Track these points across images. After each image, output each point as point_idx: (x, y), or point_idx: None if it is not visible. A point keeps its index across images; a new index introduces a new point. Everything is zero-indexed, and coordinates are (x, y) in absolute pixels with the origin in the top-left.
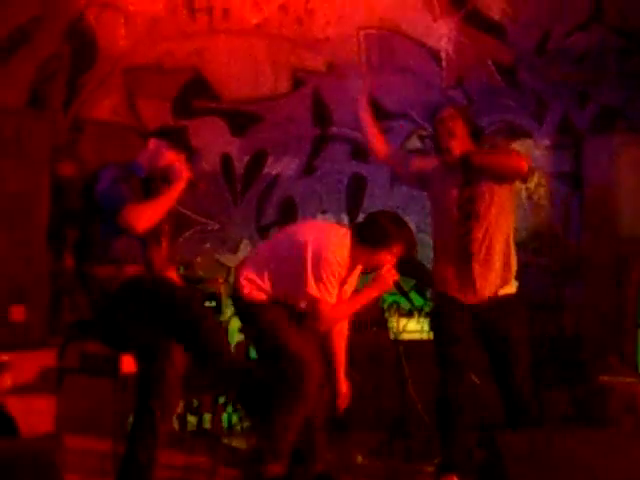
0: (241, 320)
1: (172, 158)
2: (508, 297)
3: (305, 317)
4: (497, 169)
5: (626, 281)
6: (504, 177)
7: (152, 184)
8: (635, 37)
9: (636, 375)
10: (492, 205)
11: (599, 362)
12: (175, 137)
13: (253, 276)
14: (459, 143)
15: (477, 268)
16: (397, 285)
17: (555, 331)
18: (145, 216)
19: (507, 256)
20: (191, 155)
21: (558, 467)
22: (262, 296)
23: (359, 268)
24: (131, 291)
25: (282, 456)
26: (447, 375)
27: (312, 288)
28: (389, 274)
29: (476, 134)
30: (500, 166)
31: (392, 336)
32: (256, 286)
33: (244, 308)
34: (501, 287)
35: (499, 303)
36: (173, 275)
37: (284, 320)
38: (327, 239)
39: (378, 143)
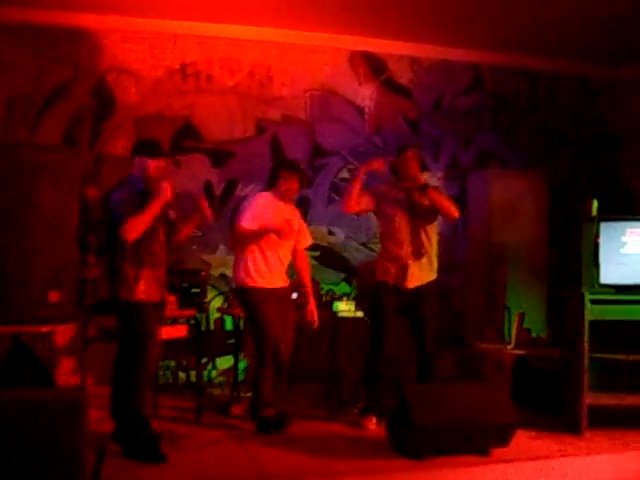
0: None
1: (153, 165)
2: (429, 284)
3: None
4: (441, 207)
5: (496, 274)
6: (442, 214)
7: (147, 193)
8: (504, 99)
9: (504, 342)
10: (430, 225)
11: (477, 332)
12: (157, 148)
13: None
14: (419, 174)
15: (414, 266)
16: None
17: (446, 309)
18: (133, 229)
19: (432, 258)
20: (169, 157)
21: (446, 408)
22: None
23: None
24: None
25: (267, 402)
26: (377, 342)
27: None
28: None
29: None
30: (443, 207)
31: (327, 315)
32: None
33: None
34: (426, 278)
35: (422, 289)
36: (170, 298)
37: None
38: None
39: (355, 199)
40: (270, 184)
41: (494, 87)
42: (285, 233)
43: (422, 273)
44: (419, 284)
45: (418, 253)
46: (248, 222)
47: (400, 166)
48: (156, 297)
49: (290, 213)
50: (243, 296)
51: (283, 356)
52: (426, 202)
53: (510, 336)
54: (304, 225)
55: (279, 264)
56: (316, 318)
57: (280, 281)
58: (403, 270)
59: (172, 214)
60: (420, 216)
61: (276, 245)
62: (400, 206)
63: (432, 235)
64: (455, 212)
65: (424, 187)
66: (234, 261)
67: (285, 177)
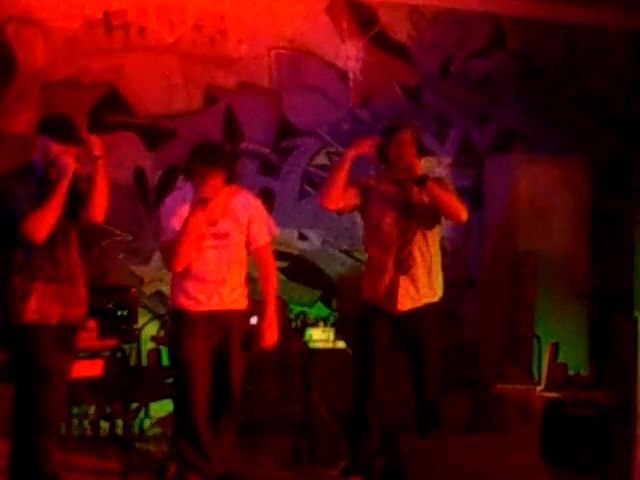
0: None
1: (58, 150)
2: (430, 307)
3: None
4: (444, 205)
5: (522, 293)
6: (445, 215)
7: (49, 181)
8: (533, 61)
9: (532, 382)
10: (429, 229)
11: (495, 370)
12: (67, 130)
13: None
14: (417, 162)
15: (405, 282)
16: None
17: (455, 339)
18: (38, 225)
19: (432, 272)
20: (81, 144)
21: (454, 471)
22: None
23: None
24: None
25: (192, 465)
26: (364, 382)
27: None
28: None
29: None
30: (448, 204)
31: (299, 345)
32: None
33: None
34: (425, 298)
35: (420, 314)
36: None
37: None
38: None
39: (339, 191)
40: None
41: (519, 46)
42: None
43: (418, 292)
44: (414, 306)
45: (411, 266)
46: (166, 235)
47: (391, 152)
48: (54, 318)
49: (221, 209)
50: (171, 323)
51: (196, 412)
52: (425, 199)
53: (540, 374)
54: (261, 215)
55: (216, 276)
56: (272, 341)
57: (218, 301)
58: (392, 287)
59: (84, 185)
60: (417, 218)
61: (209, 250)
62: (390, 204)
63: (433, 242)
64: (463, 213)
65: (422, 180)
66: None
67: (200, 173)
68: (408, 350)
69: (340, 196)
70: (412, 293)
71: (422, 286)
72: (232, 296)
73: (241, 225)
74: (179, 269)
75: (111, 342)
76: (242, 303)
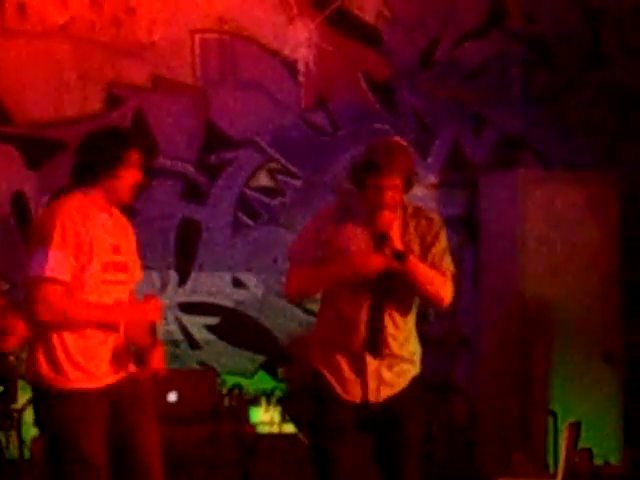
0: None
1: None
2: (410, 386)
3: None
4: (422, 290)
5: (532, 356)
6: (421, 299)
7: None
8: (542, 44)
9: (546, 475)
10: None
11: (498, 458)
12: None
13: None
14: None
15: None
16: None
17: (444, 417)
18: None
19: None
20: None
21: None
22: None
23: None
24: None
25: None
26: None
27: None
28: None
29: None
30: (426, 289)
31: (235, 430)
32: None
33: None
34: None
35: (397, 397)
36: None
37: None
38: None
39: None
40: (80, 181)
41: (525, 25)
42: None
43: (395, 376)
44: (390, 395)
45: (380, 349)
46: (57, 271)
47: (368, 195)
48: None
49: (119, 229)
50: (45, 407)
51: None
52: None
53: (557, 464)
54: (135, 246)
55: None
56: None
57: (115, 371)
58: (359, 366)
59: None
60: (392, 292)
61: (114, 287)
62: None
63: (407, 316)
64: (446, 297)
65: (401, 256)
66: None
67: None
68: (376, 436)
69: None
70: (388, 378)
71: (398, 365)
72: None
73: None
74: None
75: None
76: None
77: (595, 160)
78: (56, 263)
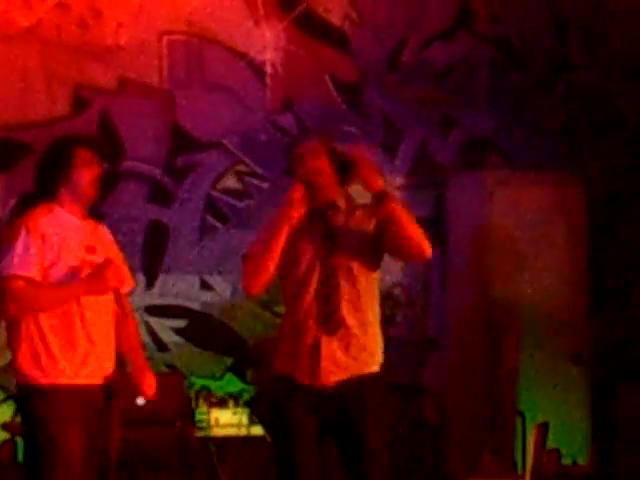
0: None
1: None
2: (369, 380)
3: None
4: (406, 231)
5: (500, 356)
6: (403, 249)
7: None
8: (510, 46)
9: (514, 475)
10: (365, 271)
11: (468, 459)
12: None
13: None
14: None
15: (331, 346)
16: None
17: (414, 419)
18: None
19: (369, 331)
20: None
21: None
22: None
23: None
24: None
25: None
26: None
27: None
28: None
29: (344, 171)
30: (411, 232)
31: (201, 433)
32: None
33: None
34: (362, 367)
35: (354, 389)
36: None
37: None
38: None
39: (272, 274)
40: (45, 192)
41: (493, 26)
42: (95, 279)
43: (352, 358)
44: (344, 378)
45: (336, 323)
46: (22, 269)
47: (295, 170)
48: None
49: (93, 231)
50: (27, 404)
51: None
52: (370, 226)
53: (524, 464)
54: (119, 254)
55: (95, 335)
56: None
57: (100, 370)
58: (314, 352)
59: None
60: (347, 255)
61: (86, 302)
62: (310, 240)
63: (369, 290)
64: (427, 247)
65: (381, 196)
66: (10, 339)
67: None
68: (338, 440)
69: (270, 280)
70: (341, 360)
71: (356, 350)
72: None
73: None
74: None
75: None
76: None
77: (562, 161)
78: (20, 262)
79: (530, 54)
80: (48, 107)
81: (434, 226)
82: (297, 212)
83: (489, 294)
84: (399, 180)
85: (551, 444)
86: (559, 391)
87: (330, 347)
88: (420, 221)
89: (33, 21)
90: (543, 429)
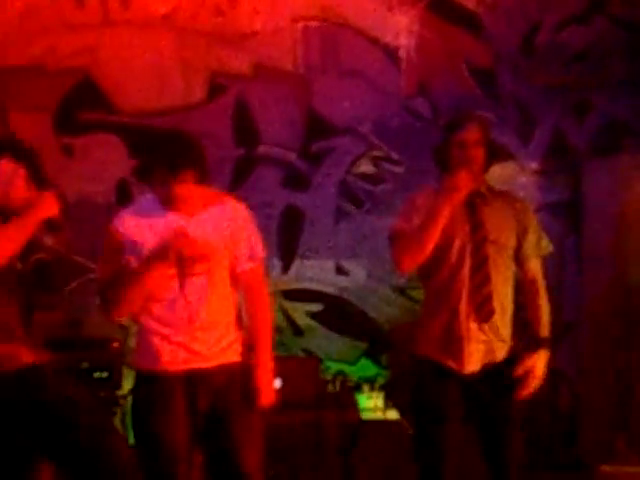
0: None
1: (23, 194)
2: (508, 363)
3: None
4: None
5: (636, 342)
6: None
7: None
8: None
9: None
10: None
11: (601, 445)
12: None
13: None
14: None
15: (484, 333)
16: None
17: (546, 404)
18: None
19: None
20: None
21: None
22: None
23: None
24: None
25: None
26: (428, 469)
27: None
28: None
29: (492, 157)
30: None
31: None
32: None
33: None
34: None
35: (497, 373)
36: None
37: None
38: None
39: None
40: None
41: (627, 10)
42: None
43: (492, 346)
44: (486, 363)
45: (489, 311)
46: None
47: (452, 157)
48: None
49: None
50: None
51: None
52: (510, 214)
53: None
54: (247, 230)
55: (198, 316)
56: (269, 400)
57: (204, 355)
58: (464, 339)
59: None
60: (495, 245)
61: (180, 282)
62: (459, 226)
63: (508, 278)
64: None
65: (472, 201)
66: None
67: (161, 177)
68: (480, 425)
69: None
70: (487, 347)
71: (498, 336)
72: (221, 344)
73: (200, 244)
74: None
75: None
76: (236, 353)
77: None
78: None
79: None
80: (184, 94)
81: (570, 210)
82: (461, 197)
83: (625, 279)
84: (533, 165)
85: None
86: None
87: (479, 335)
88: (557, 205)
89: (169, 9)
90: None
